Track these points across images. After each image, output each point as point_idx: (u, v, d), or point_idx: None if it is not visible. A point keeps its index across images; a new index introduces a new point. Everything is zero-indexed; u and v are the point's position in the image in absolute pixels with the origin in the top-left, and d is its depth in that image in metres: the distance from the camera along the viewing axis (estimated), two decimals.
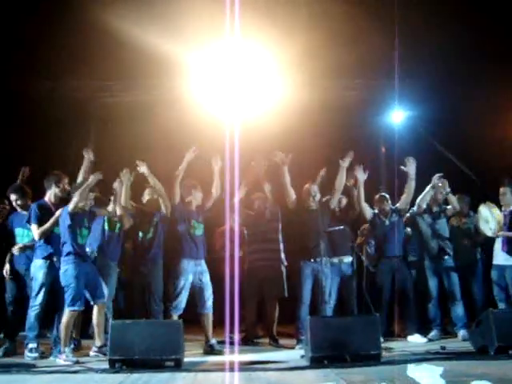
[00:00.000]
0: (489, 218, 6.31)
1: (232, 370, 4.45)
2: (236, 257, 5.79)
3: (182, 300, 5.62)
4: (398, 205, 6.52)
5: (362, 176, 6.26)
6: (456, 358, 4.93)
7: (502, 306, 6.19)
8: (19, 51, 7.12)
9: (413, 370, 4.25)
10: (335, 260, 6.29)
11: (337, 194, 6.14)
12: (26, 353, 5.18)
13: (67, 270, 5.12)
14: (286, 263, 6.33)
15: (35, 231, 5.30)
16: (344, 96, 8.48)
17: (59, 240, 5.25)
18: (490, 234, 6.33)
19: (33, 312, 5.20)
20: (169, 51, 6.76)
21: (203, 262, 5.83)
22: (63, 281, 5.12)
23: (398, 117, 8.58)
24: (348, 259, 6.35)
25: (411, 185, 6.35)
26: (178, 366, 4.56)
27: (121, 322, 4.68)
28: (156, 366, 4.51)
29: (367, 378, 4.08)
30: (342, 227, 5.89)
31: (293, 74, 7.73)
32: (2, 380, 4.19)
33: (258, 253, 6.24)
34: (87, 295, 5.22)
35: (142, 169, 5.80)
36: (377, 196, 6.68)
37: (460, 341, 6.05)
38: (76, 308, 5.07)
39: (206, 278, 5.75)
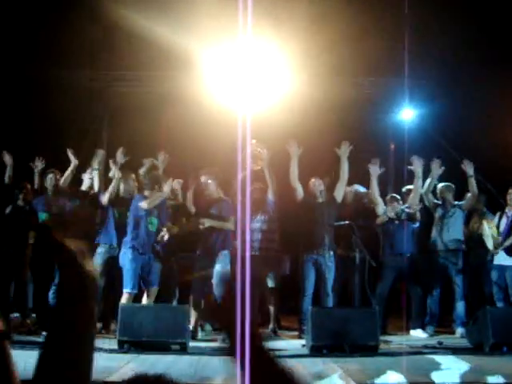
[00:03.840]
0: (488, 235, 6.46)
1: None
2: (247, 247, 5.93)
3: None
4: (407, 204, 6.61)
5: (375, 171, 6.39)
6: (451, 352, 5.08)
7: (500, 305, 6.31)
8: (38, 40, 7.29)
9: (407, 361, 4.42)
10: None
11: (340, 186, 6.22)
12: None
13: (125, 253, 5.64)
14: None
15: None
16: (354, 93, 8.57)
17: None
18: (491, 248, 6.47)
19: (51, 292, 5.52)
20: (182, 45, 6.90)
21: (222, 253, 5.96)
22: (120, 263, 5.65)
23: (407, 115, 8.66)
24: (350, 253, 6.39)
25: (418, 183, 6.47)
26: (184, 349, 4.77)
27: (130, 305, 4.89)
28: (162, 348, 4.72)
29: (363, 367, 4.26)
30: (347, 222, 6.03)
31: (303, 70, 7.84)
32: (19, 354, 4.39)
33: (252, 243, 6.28)
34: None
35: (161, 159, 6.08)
36: (388, 196, 6.80)
37: (458, 337, 6.18)
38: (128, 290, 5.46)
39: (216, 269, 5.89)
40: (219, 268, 5.84)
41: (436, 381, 3.84)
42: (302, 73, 7.92)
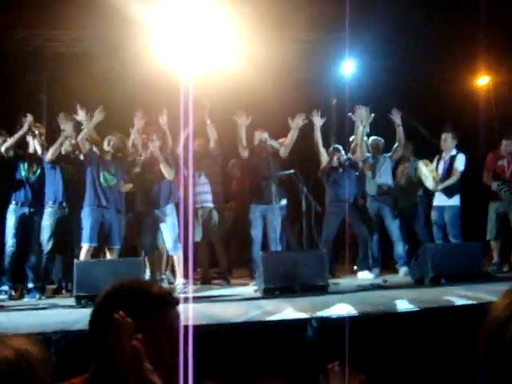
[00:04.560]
0: (427, 174, 6.75)
1: (187, 302, 4.78)
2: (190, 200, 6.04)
3: None
4: (349, 154, 6.87)
5: (318, 121, 6.60)
6: (394, 287, 5.44)
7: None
8: None
9: (354, 297, 4.71)
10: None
11: (286, 148, 6.41)
12: None
13: (84, 210, 5.69)
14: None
15: None
16: (295, 49, 8.66)
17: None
18: (430, 187, 6.78)
19: (7, 255, 5.49)
20: (123, 2, 6.77)
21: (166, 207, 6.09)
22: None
23: (348, 68, 8.84)
24: (284, 202, 6.73)
25: (359, 131, 6.72)
26: None
27: (85, 261, 4.94)
28: None
29: (314, 304, 4.50)
30: (292, 171, 6.23)
31: (245, 27, 7.83)
32: None
33: (198, 196, 6.42)
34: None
35: (80, 115, 5.90)
36: (330, 148, 7.02)
37: (402, 277, 6.56)
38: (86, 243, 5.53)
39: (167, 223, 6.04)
40: (169, 222, 5.95)
41: (382, 310, 4.13)
42: (244, 30, 7.91)
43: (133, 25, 7.45)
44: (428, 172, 6.73)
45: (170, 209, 6.04)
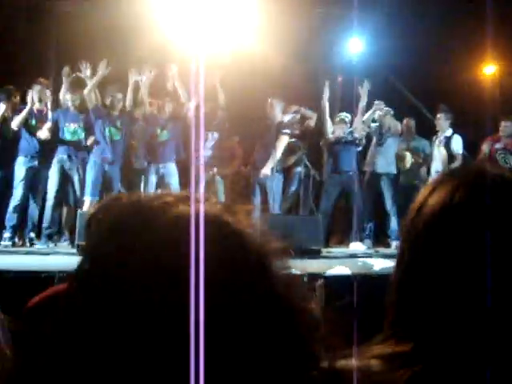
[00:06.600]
0: (437, 158, 6.80)
1: None
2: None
3: None
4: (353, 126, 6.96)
5: (327, 91, 6.75)
6: (385, 256, 5.58)
7: None
8: None
9: (347, 262, 4.85)
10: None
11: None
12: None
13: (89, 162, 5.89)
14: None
15: None
16: (304, 25, 8.65)
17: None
18: (438, 169, 6.72)
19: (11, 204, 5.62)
20: None
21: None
22: None
23: (355, 46, 8.84)
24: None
25: (362, 106, 6.83)
26: None
27: (87, 211, 5.08)
28: None
29: (308, 266, 4.64)
30: (293, 140, 6.33)
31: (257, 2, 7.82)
32: None
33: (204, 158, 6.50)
34: None
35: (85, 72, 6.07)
36: (337, 118, 7.06)
37: (393, 249, 6.69)
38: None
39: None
40: (173, 181, 6.10)
41: (377, 271, 4.26)
42: (256, 5, 7.88)
43: None
44: (438, 155, 6.74)
45: (173, 167, 6.16)
